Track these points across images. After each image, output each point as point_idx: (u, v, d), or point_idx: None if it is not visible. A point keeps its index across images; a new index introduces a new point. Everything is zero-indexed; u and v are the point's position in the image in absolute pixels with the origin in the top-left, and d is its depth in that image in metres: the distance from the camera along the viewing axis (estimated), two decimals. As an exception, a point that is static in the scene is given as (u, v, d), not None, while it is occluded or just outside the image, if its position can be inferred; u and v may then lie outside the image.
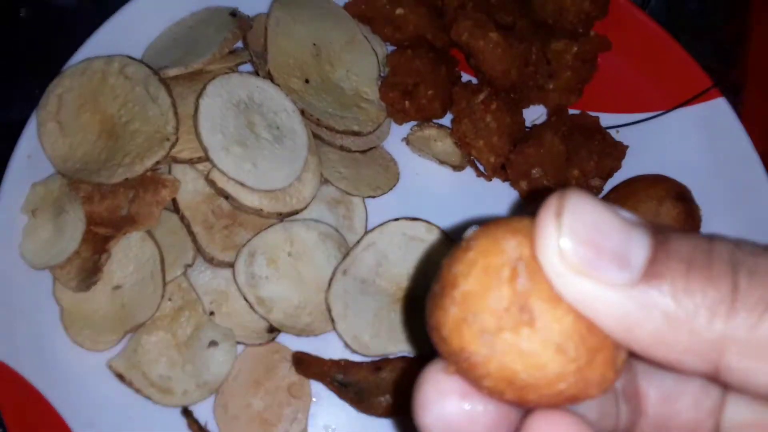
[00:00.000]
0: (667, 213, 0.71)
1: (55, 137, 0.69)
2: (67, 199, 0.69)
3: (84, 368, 0.66)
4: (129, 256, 0.69)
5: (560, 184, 0.77)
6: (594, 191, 0.77)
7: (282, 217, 0.71)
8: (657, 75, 0.83)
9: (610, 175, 0.78)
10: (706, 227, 0.75)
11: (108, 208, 0.69)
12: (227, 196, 0.69)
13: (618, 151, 0.78)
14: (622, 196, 0.73)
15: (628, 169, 0.78)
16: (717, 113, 0.80)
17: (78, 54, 0.73)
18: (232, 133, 0.68)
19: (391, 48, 0.83)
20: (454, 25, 0.77)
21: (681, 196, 0.72)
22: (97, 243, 0.69)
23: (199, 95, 0.67)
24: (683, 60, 0.81)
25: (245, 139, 0.69)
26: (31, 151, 0.70)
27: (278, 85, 0.73)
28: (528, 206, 0.75)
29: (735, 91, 0.88)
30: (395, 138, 0.81)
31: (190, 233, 0.70)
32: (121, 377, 0.67)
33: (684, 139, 0.81)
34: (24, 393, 0.64)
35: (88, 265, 0.67)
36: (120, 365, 0.67)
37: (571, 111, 0.82)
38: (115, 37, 0.75)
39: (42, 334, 0.67)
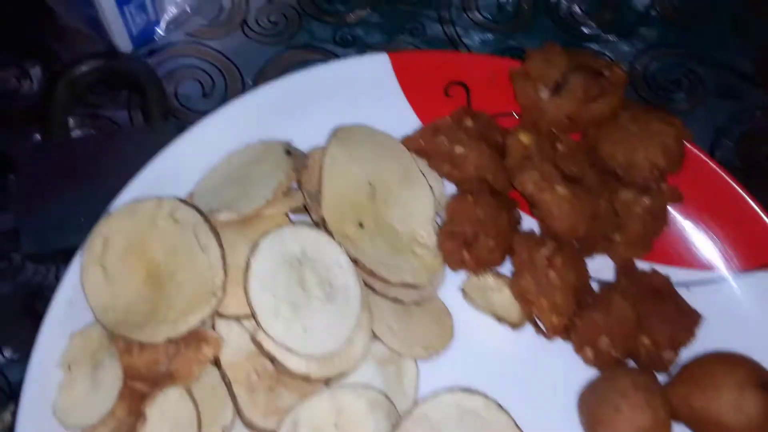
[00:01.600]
0: (750, 402, 0.65)
1: (98, 283, 0.66)
2: (104, 353, 0.65)
3: None
4: (165, 416, 0.65)
5: (629, 354, 0.72)
6: (666, 365, 0.71)
7: (329, 381, 0.67)
8: (733, 231, 0.78)
9: (683, 345, 0.72)
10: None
11: (147, 362, 0.65)
12: (273, 360, 0.65)
13: (692, 320, 0.73)
14: (698, 379, 0.68)
15: (701, 336, 0.73)
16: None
17: (126, 191, 0.70)
18: (283, 294, 0.64)
19: (447, 183, 0.80)
20: (519, 175, 0.73)
21: (765, 383, 0.66)
22: (134, 400, 0.65)
23: (251, 252, 0.64)
24: (759, 220, 0.76)
25: (296, 299, 0.65)
26: (72, 297, 0.67)
27: (332, 232, 0.69)
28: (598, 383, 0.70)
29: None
30: (450, 284, 0.77)
31: (231, 394, 0.66)
32: None
33: (763, 306, 0.75)
34: None
35: (123, 429, 0.63)
36: None
37: (639, 263, 0.78)
38: (166, 171, 0.73)
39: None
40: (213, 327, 0.67)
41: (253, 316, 0.63)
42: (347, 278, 0.68)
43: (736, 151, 0.90)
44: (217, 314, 0.65)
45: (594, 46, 0.96)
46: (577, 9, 0.98)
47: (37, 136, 0.85)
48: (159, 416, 0.65)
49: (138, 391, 0.65)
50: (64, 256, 0.71)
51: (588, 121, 0.77)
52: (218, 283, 0.64)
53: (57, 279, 0.73)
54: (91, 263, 0.67)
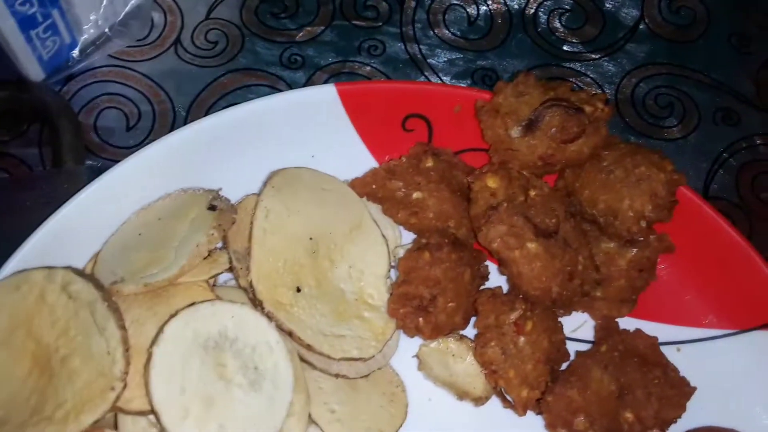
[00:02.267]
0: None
1: (-25, 372, 0.56)
2: (-15, 452, 0.55)
3: None
4: None
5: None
6: (651, 444, 0.62)
7: (258, 479, 0.57)
8: (730, 285, 0.68)
9: (672, 422, 0.63)
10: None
11: (36, 464, 0.55)
12: (185, 463, 0.54)
13: (682, 392, 0.63)
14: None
15: (691, 406, 0.63)
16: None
17: (13, 259, 0.60)
18: (194, 386, 0.54)
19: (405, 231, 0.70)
20: (484, 230, 0.63)
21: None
22: None
23: (154, 341, 0.54)
24: (761, 274, 0.67)
25: (212, 391, 0.55)
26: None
27: (261, 302, 0.59)
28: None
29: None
30: (404, 350, 0.67)
31: (139, 499, 0.55)
32: None
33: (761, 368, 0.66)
34: None
35: None
36: None
37: (623, 320, 0.68)
38: (68, 230, 0.63)
39: None
40: (115, 423, 0.56)
41: (156, 418, 0.52)
42: (277, 359, 0.58)
43: (734, 185, 0.80)
44: (118, 410, 0.55)
45: (576, 66, 0.85)
46: (557, 24, 0.88)
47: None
48: None
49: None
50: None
51: (565, 164, 0.67)
52: (117, 373, 0.54)
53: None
54: (-32, 347, 0.56)
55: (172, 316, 0.55)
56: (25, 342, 0.56)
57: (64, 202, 0.64)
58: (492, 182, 0.66)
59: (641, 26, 0.89)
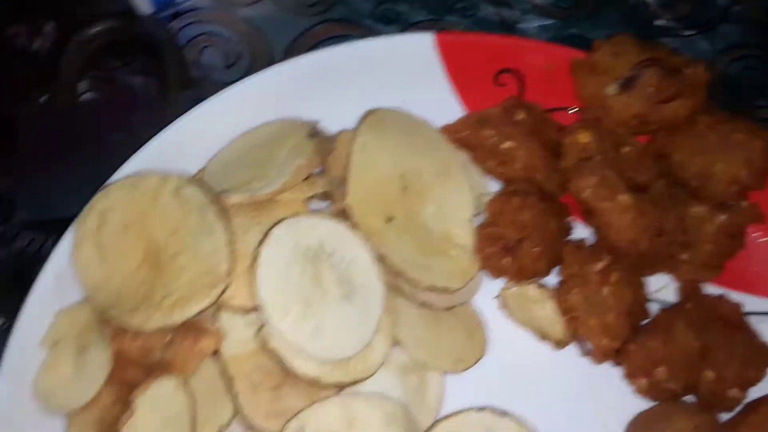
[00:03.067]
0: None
1: (91, 261, 0.63)
2: (93, 334, 0.62)
3: None
4: (156, 409, 0.61)
5: (689, 389, 0.66)
6: (730, 405, 0.65)
7: (342, 387, 0.62)
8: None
9: (752, 384, 0.66)
10: None
11: (140, 349, 0.62)
12: (279, 360, 0.60)
13: (764, 357, 0.66)
14: (765, 425, 0.61)
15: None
16: None
17: (131, 162, 0.67)
18: (295, 290, 0.60)
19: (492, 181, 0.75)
20: (575, 179, 0.68)
21: None
22: (123, 388, 0.61)
23: (262, 241, 0.60)
24: None
25: (310, 296, 0.60)
26: (62, 271, 0.64)
27: (356, 225, 0.65)
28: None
29: None
30: (486, 292, 0.71)
31: (231, 390, 0.61)
32: None
33: None
34: None
35: (109, 418, 0.60)
36: None
37: (707, 287, 0.72)
38: (176, 145, 0.70)
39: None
40: (215, 317, 0.62)
41: (260, 311, 0.58)
42: (369, 277, 0.63)
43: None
44: (221, 305, 0.61)
45: (667, 41, 0.90)
46: (649, -1, 0.93)
47: (44, 99, 0.82)
48: (149, 408, 0.61)
49: (128, 378, 0.61)
50: (63, 227, 0.68)
51: (659, 124, 0.71)
52: (222, 271, 0.60)
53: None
54: (85, 238, 0.63)
55: (277, 223, 0.61)
56: (138, 238, 0.63)
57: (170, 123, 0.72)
58: (584, 137, 0.71)
59: (735, 7, 0.93)
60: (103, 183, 0.67)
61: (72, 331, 0.63)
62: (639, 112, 0.71)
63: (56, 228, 0.73)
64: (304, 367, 0.60)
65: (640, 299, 0.69)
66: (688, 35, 0.91)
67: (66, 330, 0.63)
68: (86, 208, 0.64)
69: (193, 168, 0.68)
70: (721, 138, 0.69)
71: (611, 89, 0.71)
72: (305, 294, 0.60)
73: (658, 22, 0.91)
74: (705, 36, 0.91)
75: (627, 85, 0.71)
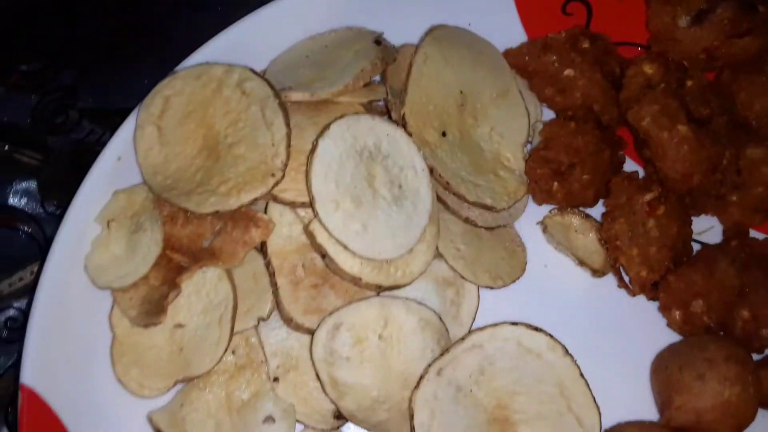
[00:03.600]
0: None
1: (152, 143, 0.65)
2: (147, 216, 0.64)
3: (121, 414, 0.61)
4: (200, 294, 0.64)
5: (722, 326, 0.66)
6: (761, 344, 0.65)
7: (381, 290, 0.64)
8: None
9: (788, 329, 0.66)
10: None
11: (190, 235, 0.64)
12: (324, 255, 0.62)
13: (805, 302, 0.66)
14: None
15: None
16: None
17: (197, 54, 0.68)
18: (347, 185, 0.61)
19: (547, 112, 0.75)
20: (636, 107, 0.67)
21: None
22: (170, 271, 0.64)
23: (321, 134, 0.61)
24: None
25: (361, 194, 0.62)
26: (121, 153, 0.66)
27: (411, 134, 0.66)
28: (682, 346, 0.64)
29: None
30: (529, 218, 0.72)
31: (273, 284, 0.64)
32: (159, 434, 0.61)
33: None
34: (48, 429, 0.59)
35: (154, 297, 0.62)
36: (162, 420, 0.61)
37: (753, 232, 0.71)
38: (242, 40, 0.71)
39: (86, 362, 0.62)
40: (265, 211, 0.64)
41: (311, 203, 0.60)
42: (420, 184, 0.64)
43: None
44: (272, 198, 0.63)
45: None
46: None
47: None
48: (194, 292, 0.63)
49: (176, 262, 0.63)
50: (121, 118, 0.70)
51: (728, 60, 0.70)
52: (278, 163, 0.62)
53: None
54: (148, 122, 0.65)
55: (338, 118, 0.62)
56: (198, 126, 0.65)
57: (235, 20, 0.72)
58: (648, 68, 0.70)
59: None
60: (163, 78, 0.68)
61: (127, 211, 0.65)
62: (709, 46, 0.69)
63: (114, 120, 0.75)
64: (347, 264, 0.61)
65: (685, 236, 0.69)
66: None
67: (121, 210, 0.65)
68: (152, 93, 0.65)
69: (256, 66, 0.69)
70: (789, 80, 0.67)
71: (683, 21, 0.70)
72: (356, 191, 0.61)
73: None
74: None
75: (701, 17, 0.69)
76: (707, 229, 0.73)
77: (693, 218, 0.71)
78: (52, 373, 0.60)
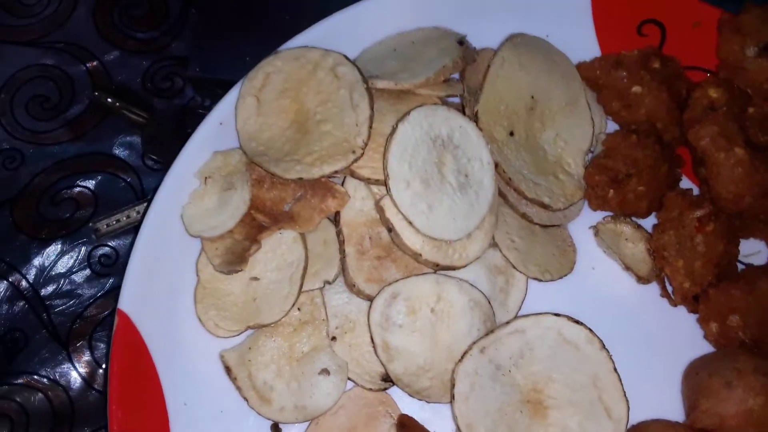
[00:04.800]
0: None
1: (250, 113, 0.72)
2: (239, 177, 0.71)
3: (198, 348, 0.69)
4: (276, 253, 0.70)
5: (758, 344, 0.69)
6: (797, 367, 0.68)
7: (438, 268, 0.69)
8: None
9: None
10: None
11: (273, 198, 0.71)
12: (390, 229, 0.68)
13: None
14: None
15: None
16: None
17: (297, 38, 0.75)
18: (419, 168, 0.67)
19: (611, 125, 0.79)
20: (697, 126, 0.71)
21: None
22: (252, 229, 0.71)
23: (401, 118, 0.67)
24: None
25: (430, 177, 0.67)
26: (224, 119, 0.73)
27: (481, 130, 0.71)
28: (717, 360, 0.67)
29: None
30: (583, 222, 0.76)
31: (341, 251, 0.70)
32: (228, 370, 0.68)
33: None
34: (136, 352, 0.67)
35: (237, 249, 0.69)
36: (231, 358, 0.69)
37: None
38: (338, 30, 0.77)
39: (172, 299, 0.70)
40: (342, 184, 0.71)
41: (385, 180, 0.66)
42: (484, 176, 0.69)
43: None
44: (351, 172, 0.69)
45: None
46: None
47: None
48: (270, 250, 0.70)
49: (258, 221, 0.70)
50: (221, 88, 0.78)
51: (791, 93, 0.73)
52: (360, 142, 0.68)
53: (210, 108, 0.80)
54: (249, 93, 0.72)
55: (417, 106, 0.68)
56: (292, 102, 0.72)
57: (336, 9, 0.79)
58: (713, 92, 0.74)
59: None
60: (265, 55, 0.75)
61: (222, 171, 0.73)
62: (773, 78, 0.72)
63: (214, 90, 0.82)
64: (410, 240, 0.67)
65: (731, 255, 0.72)
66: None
67: (217, 169, 0.73)
68: (256, 68, 0.72)
69: (349, 54, 0.75)
70: None
71: (751, 51, 0.73)
72: (426, 175, 0.67)
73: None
74: None
75: (767, 49, 0.72)
76: (755, 252, 0.75)
77: (742, 241, 0.74)
78: (144, 303, 0.68)
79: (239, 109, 0.72)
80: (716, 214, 0.71)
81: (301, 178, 0.68)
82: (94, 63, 0.87)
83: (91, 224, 0.80)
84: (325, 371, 0.69)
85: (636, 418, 0.67)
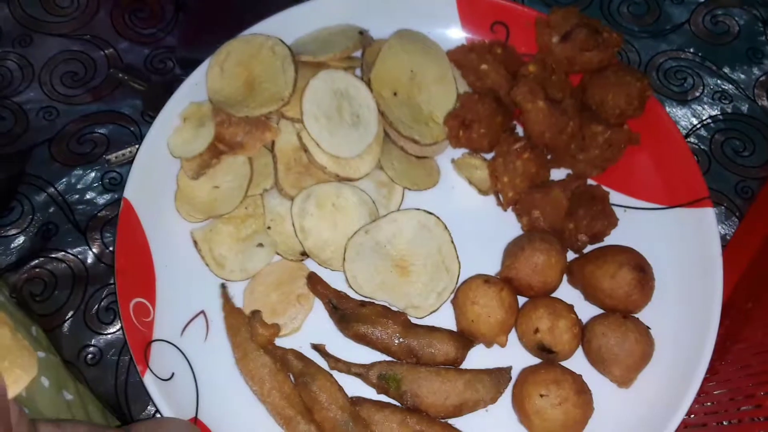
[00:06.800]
0: (623, 277, 0.92)
1: (216, 76, 1.05)
2: (207, 118, 1.04)
3: (176, 228, 1.00)
4: (231, 169, 1.02)
5: (554, 230, 1.01)
6: (579, 244, 0.99)
7: (339, 178, 1.01)
8: (669, 175, 1.04)
9: (597, 237, 1.00)
10: (654, 300, 0.94)
11: (230, 133, 1.03)
12: (306, 150, 1.00)
13: (610, 221, 1.00)
14: (593, 257, 0.95)
15: (615, 240, 1.00)
16: (704, 219, 0.99)
17: (251, 29, 1.09)
18: (324, 109, 0.99)
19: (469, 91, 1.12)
20: (515, 87, 1.04)
21: (639, 267, 0.92)
22: (215, 152, 1.03)
23: (313, 77, 1.00)
24: (692, 170, 1.02)
25: (332, 115, 1.00)
26: (198, 81, 1.06)
27: (371, 90, 1.04)
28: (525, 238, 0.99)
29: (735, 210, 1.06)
30: (448, 157, 1.09)
31: (275, 168, 1.02)
32: (195, 244, 1.00)
33: (670, 229, 1.01)
34: (134, 228, 0.98)
35: (205, 164, 1.02)
36: (198, 236, 1.00)
37: (591, 182, 1.06)
38: (280, 24, 1.11)
39: (160, 197, 1.02)
40: (277, 124, 1.03)
41: (301, 115, 0.99)
42: (371, 118, 1.02)
43: (707, 141, 1.15)
44: (281, 114, 1.02)
45: (627, 37, 1.22)
46: (624, 9, 1.26)
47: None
48: (227, 166, 1.02)
49: (219, 148, 1.03)
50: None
51: (581, 66, 1.06)
52: (286, 94, 1.01)
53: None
54: (216, 64, 1.05)
55: (324, 70, 1.01)
56: (244, 69, 1.04)
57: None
58: (532, 67, 1.07)
59: (686, 26, 1.24)
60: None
61: (196, 114, 1.05)
62: (569, 56, 1.06)
63: (196, 68, 1.15)
64: (319, 157, 0.99)
65: (542, 175, 1.04)
66: (644, 37, 1.23)
67: (192, 113, 1.05)
68: (220, 48, 1.05)
69: (287, 40, 1.08)
70: (617, 79, 1.03)
71: (556, 39, 1.06)
72: (329, 113, 1.00)
73: (623, 24, 1.24)
74: (655, 39, 1.23)
75: (565, 37, 1.06)
76: (563, 178, 1.07)
77: (553, 169, 1.07)
78: (142, 197, 1.00)
79: (209, 74, 1.05)
80: (531, 147, 1.04)
81: (248, 117, 1.00)
82: (110, 50, 1.20)
83: (104, 156, 1.12)
84: (260, 245, 1.00)
85: (466, 274, 0.98)
